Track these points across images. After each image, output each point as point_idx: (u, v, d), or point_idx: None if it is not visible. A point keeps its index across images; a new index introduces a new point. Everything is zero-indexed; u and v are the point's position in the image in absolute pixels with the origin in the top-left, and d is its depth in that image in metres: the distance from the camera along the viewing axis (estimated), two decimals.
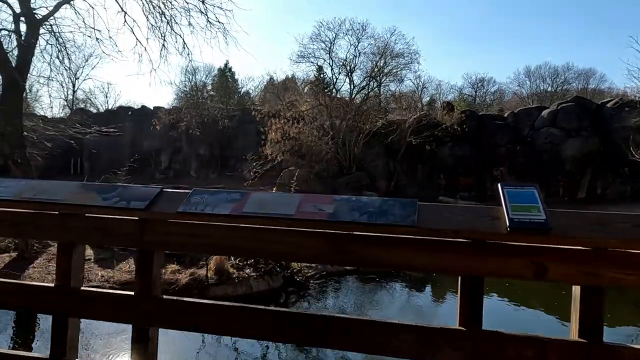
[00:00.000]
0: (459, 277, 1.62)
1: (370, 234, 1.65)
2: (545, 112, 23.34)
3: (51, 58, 11.99)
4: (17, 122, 10.39)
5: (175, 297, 1.85)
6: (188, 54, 13.23)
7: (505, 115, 25.40)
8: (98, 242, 2.22)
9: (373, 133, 23.83)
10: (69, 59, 13.38)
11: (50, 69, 17.34)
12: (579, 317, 1.54)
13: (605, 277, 1.47)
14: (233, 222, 1.74)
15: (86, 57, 33.91)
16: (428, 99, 36.22)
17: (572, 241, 1.49)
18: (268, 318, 1.73)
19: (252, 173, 11.20)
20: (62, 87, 34.83)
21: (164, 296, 1.85)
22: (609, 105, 22.56)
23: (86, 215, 1.88)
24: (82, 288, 1.92)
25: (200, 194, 1.85)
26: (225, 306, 1.78)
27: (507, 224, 1.50)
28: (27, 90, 20.29)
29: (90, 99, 39.98)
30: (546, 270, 1.51)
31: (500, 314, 8.10)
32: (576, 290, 1.56)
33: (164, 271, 7.70)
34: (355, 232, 1.67)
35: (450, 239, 1.59)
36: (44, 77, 15.93)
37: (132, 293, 1.84)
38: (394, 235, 1.63)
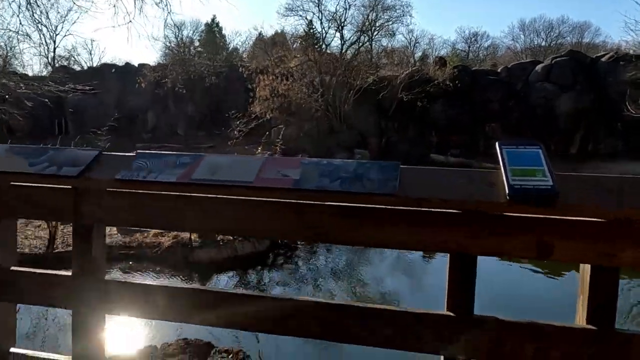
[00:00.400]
0: (448, 255, 1.37)
1: (343, 204, 1.39)
2: (539, 67, 22.88)
3: (19, 8, 11.27)
4: None
5: (121, 279, 1.60)
6: (166, 5, 12.44)
7: (499, 70, 24.88)
8: (26, 215, 1.94)
9: (364, 90, 23.31)
10: (42, 11, 12.63)
11: (20, 21, 16.42)
12: (588, 300, 1.30)
13: (625, 257, 1.22)
14: (180, 191, 1.47)
15: (64, 13, 32.61)
16: (420, 54, 35.46)
17: (584, 212, 1.24)
18: (225, 302, 1.48)
19: (236, 132, 10.77)
20: (41, 42, 33.51)
21: (108, 278, 1.59)
22: (603, 59, 22.12)
23: (11, 184, 1.60)
24: (13, 268, 1.66)
25: (144, 157, 1.56)
26: (180, 289, 1.53)
27: (507, 191, 1.24)
28: (4, 48, 19.45)
29: (73, 56, 38.74)
30: (552, 248, 1.27)
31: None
32: (585, 267, 1.32)
33: (146, 234, 7.49)
34: (326, 203, 1.40)
35: (437, 210, 1.33)
36: (12, 30, 15.05)
37: (70, 273, 1.58)
38: (371, 206, 1.37)
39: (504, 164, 1.32)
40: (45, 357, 1.67)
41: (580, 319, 1.33)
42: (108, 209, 1.52)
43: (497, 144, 1.40)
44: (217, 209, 1.45)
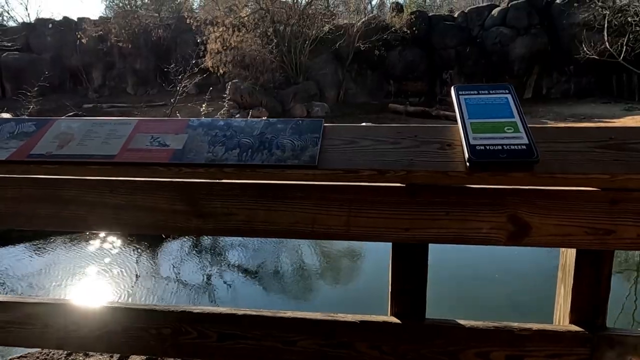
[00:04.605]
0: (391, 245, 1.02)
1: (244, 182, 1.00)
2: (495, 11, 22.62)
3: None
4: None
5: None
6: None
7: (456, 15, 24.45)
8: None
9: (320, 39, 22.48)
10: None
11: None
12: (573, 295, 0.99)
13: (626, 237, 0.90)
14: (19, 172, 1.05)
15: None
16: (377, 0, 34.44)
17: (571, 180, 0.90)
18: (85, 317, 1.10)
19: (178, 88, 9.99)
20: None
21: None
22: (558, 1, 21.99)
23: None
24: None
25: None
26: (26, 304, 1.14)
27: (466, 155, 0.89)
28: None
29: (7, 12, 35.78)
30: (527, 230, 0.93)
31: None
32: (568, 255, 1.00)
33: None
34: (222, 181, 1.01)
35: (373, 185, 0.97)
36: None
37: None
38: (282, 183, 0.99)
39: (462, 116, 0.96)
40: None
41: (561, 319, 1.02)
42: None
43: (452, 89, 1.03)
44: (68, 196, 1.04)
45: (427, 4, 39.14)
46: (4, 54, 24.25)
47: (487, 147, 0.88)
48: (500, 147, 0.88)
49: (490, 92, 1.01)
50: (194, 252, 6.92)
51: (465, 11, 24.26)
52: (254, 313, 1.05)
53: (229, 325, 1.05)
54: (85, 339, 1.11)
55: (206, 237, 7.25)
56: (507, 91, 1.01)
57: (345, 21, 24.33)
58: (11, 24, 32.19)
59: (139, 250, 6.69)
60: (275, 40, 22.59)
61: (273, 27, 23.07)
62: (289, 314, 1.04)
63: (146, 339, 1.07)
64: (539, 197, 0.92)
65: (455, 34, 22.54)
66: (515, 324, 0.99)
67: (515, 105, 0.97)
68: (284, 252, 6.92)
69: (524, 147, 0.88)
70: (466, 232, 0.94)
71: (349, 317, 1.02)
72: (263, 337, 1.04)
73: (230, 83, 21.01)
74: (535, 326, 0.98)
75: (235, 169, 0.95)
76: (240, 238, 7.40)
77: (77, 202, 1.03)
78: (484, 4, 26.42)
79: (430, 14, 25.45)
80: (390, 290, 1.03)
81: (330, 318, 1.02)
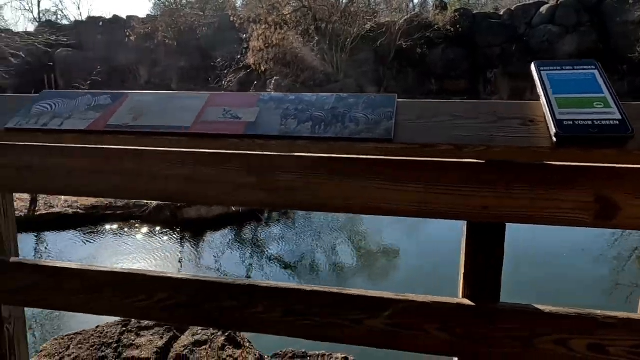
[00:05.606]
0: (465, 224, 0.99)
1: (316, 155, 0.99)
2: (543, 8, 21.91)
3: None
4: None
5: (30, 261, 1.22)
6: None
7: (501, 13, 23.83)
8: None
9: (361, 37, 22.40)
10: None
11: None
12: None
13: None
14: (94, 143, 1.07)
15: None
16: None
17: None
18: (154, 287, 1.12)
19: (224, 83, 10.16)
20: None
21: (15, 259, 1.22)
22: None
23: None
24: None
25: (50, 98, 1.16)
26: (98, 272, 1.16)
27: (552, 130, 0.84)
28: None
29: (61, 11, 37.37)
30: (616, 211, 0.88)
31: None
32: None
33: None
34: (294, 154, 1.01)
35: (449, 160, 0.93)
36: None
37: None
38: (354, 157, 0.97)
39: (545, 91, 0.91)
40: None
41: None
42: None
43: (533, 64, 0.98)
44: (139, 167, 1.06)
45: (471, 2, 38.34)
46: (58, 50, 25.44)
47: (576, 122, 0.84)
48: (590, 122, 0.84)
49: (575, 67, 0.96)
50: (239, 240, 7.03)
51: (512, 9, 23.61)
52: (321, 289, 1.04)
53: (296, 301, 1.04)
54: (151, 309, 1.13)
55: (251, 225, 7.37)
56: (593, 67, 0.96)
57: (387, 19, 24.13)
58: (64, 22, 33.60)
59: (184, 239, 6.84)
60: (317, 38, 22.65)
61: (315, 24, 23.12)
62: (357, 292, 1.02)
63: (211, 310, 1.08)
64: (630, 176, 0.87)
65: (501, 32, 21.99)
66: (599, 312, 0.94)
67: (603, 81, 0.92)
68: (340, 235, 6.97)
69: (616, 122, 0.83)
70: (549, 211, 0.90)
71: (420, 298, 0.99)
72: (329, 314, 1.02)
73: (272, 80, 21.23)
74: (620, 315, 0.93)
75: (308, 141, 0.94)
76: (285, 224, 7.49)
77: (149, 174, 1.05)
78: (531, 2, 25.65)
79: (475, 12, 24.91)
80: (462, 272, 0.99)
81: (400, 297, 1.00)
